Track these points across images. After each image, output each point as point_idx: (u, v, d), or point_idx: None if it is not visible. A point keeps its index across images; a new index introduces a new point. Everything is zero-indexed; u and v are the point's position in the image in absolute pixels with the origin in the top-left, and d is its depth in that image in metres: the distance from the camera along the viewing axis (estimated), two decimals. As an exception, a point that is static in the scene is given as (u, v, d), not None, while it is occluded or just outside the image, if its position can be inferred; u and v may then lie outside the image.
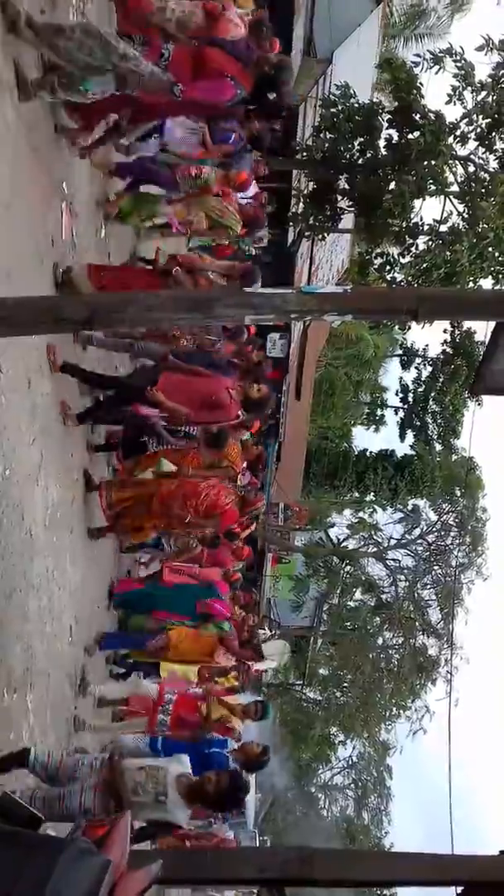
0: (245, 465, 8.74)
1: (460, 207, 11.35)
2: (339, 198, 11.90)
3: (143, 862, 2.83)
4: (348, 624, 27.54)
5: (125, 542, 8.25)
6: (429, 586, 26.15)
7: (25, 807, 2.51)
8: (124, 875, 2.45)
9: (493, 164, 11.16)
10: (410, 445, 32.85)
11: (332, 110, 11.69)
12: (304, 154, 12.57)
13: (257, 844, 20.72)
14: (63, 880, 2.14)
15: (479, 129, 10.97)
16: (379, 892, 30.31)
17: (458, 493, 27.00)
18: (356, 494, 31.90)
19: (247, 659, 8.69)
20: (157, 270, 7.07)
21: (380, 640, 26.89)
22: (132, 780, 4.56)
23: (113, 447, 7.71)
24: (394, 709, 26.93)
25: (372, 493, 31.43)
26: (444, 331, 26.40)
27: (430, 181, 10.93)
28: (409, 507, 29.29)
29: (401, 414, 33.71)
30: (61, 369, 5.93)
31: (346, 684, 28.19)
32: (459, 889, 4.01)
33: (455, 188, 11.33)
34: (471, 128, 11.00)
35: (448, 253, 10.98)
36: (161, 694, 7.10)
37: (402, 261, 11.75)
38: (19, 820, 2.45)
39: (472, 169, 11.27)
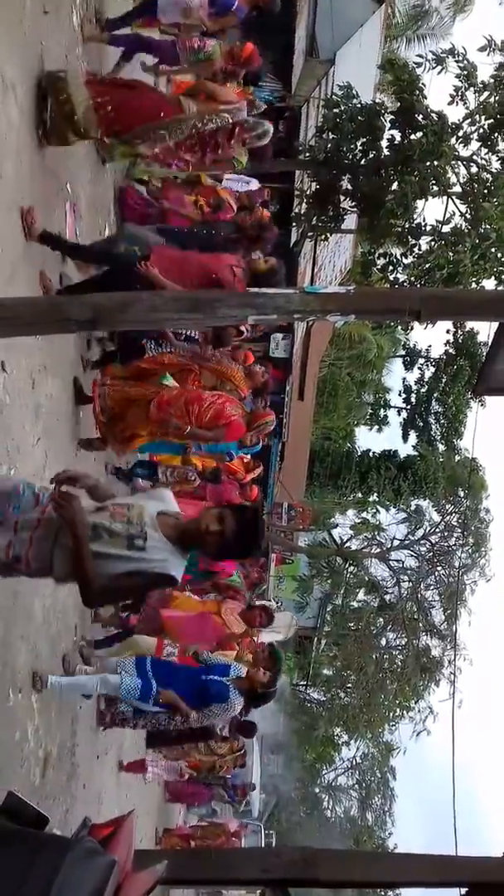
0: (250, 391, 7.95)
1: (463, 208, 11.35)
2: (342, 198, 11.89)
3: (148, 862, 2.84)
4: (351, 624, 27.51)
5: (118, 455, 7.32)
6: (432, 587, 26.11)
7: (32, 806, 2.52)
8: (129, 875, 2.46)
9: (496, 165, 11.15)
10: (413, 446, 32.87)
11: (335, 111, 11.69)
12: (307, 154, 12.58)
13: (263, 837, 20.61)
14: (69, 880, 2.15)
15: (481, 130, 10.97)
16: (383, 893, 30.31)
17: (461, 494, 26.97)
18: (359, 495, 31.89)
19: (254, 622, 8.22)
20: (167, 97, 6.34)
21: (383, 641, 26.87)
22: (89, 522, 3.17)
23: (109, 360, 6.98)
24: (397, 710, 26.91)
25: (375, 494, 31.41)
26: (447, 331, 26.46)
27: (433, 182, 10.93)
28: (412, 508, 29.25)
29: (404, 414, 33.71)
30: (40, 238, 5.15)
31: (349, 685, 28.17)
32: (463, 890, 4.01)
33: (458, 189, 11.33)
34: (473, 128, 10.99)
35: (451, 253, 10.97)
36: (160, 648, 6.87)
37: (405, 261, 11.74)
38: (25, 819, 2.46)
39: (474, 170, 11.26)
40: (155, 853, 5.43)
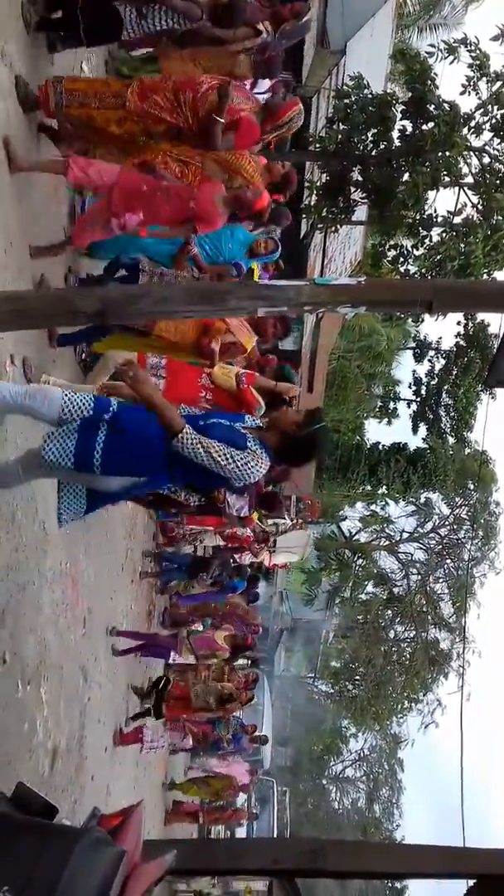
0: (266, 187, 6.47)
1: (474, 199, 11.28)
2: (353, 189, 11.83)
3: (157, 852, 2.84)
4: (360, 617, 27.53)
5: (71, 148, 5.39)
6: (441, 580, 26.11)
7: (41, 797, 2.53)
8: (138, 865, 2.46)
9: (508, 155, 11.08)
10: (423, 438, 32.73)
11: (346, 101, 11.62)
12: (318, 146, 12.51)
13: (275, 792, 20.51)
14: (78, 870, 2.15)
15: (493, 120, 10.88)
16: (390, 884, 30.42)
17: (471, 487, 26.91)
18: (368, 487, 31.82)
19: (268, 332, 6.73)
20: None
21: (392, 634, 26.89)
22: None
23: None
24: (405, 702, 26.95)
25: (384, 487, 31.33)
26: (458, 323, 26.31)
27: (445, 172, 10.85)
28: (422, 501, 29.21)
29: (413, 407, 33.57)
30: None
31: (357, 677, 28.22)
32: (471, 882, 4.01)
33: (469, 179, 11.27)
34: (486, 118, 10.91)
35: (462, 245, 10.92)
36: (142, 361, 5.71)
37: (416, 253, 11.69)
38: (34, 809, 2.47)
39: (486, 160, 11.19)
40: (164, 843, 5.45)
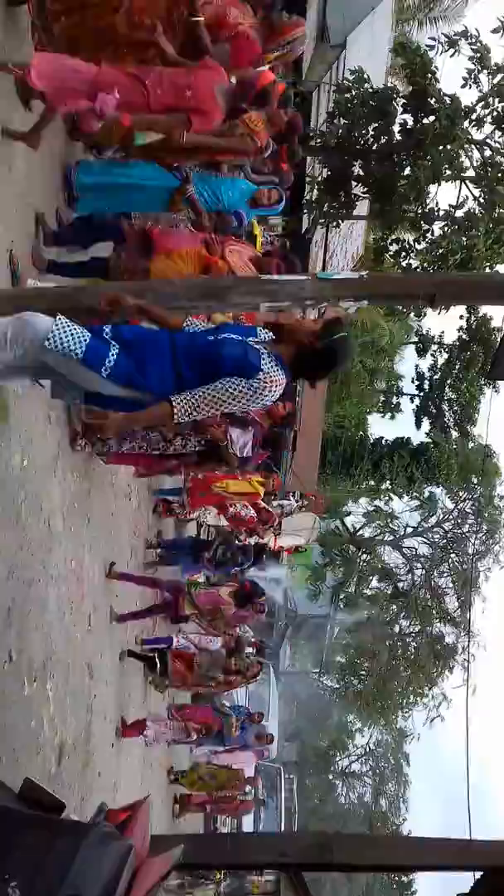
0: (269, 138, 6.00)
1: (476, 192, 11.26)
2: (354, 184, 11.82)
3: (165, 847, 2.86)
4: (365, 612, 27.55)
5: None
6: (445, 574, 26.10)
7: (48, 792, 2.54)
8: (146, 860, 2.47)
9: (510, 148, 11.06)
10: (426, 433, 32.71)
11: (346, 96, 11.60)
12: (319, 140, 12.49)
13: (283, 779, 20.42)
14: (87, 864, 2.16)
15: (495, 113, 10.87)
16: (397, 877, 30.47)
17: (475, 481, 26.88)
18: (372, 483, 31.82)
19: (273, 271, 5.88)
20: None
21: (396, 628, 26.90)
22: None
23: None
24: (411, 696, 26.97)
25: (388, 482, 31.34)
26: (461, 317, 26.25)
27: (446, 166, 10.84)
28: (426, 495, 29.19)
29: (417, 401, 33.55)
30: None
31: (362, 672, 28.25)
32: (478, 874, 4.02)
33: (471, 173, 11.24)
34: (487, 111, 10.89)
35: (464, 238, 10.90)
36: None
37: (418, 247, 11.68)
38: (42, 805, 2.48)
39: (488, 153, 11.17)
40: (171, 838, 5.47)
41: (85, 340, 3.26)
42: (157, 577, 9.36)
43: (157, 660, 8.53)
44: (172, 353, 3.34)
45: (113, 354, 3.29)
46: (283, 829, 18.83)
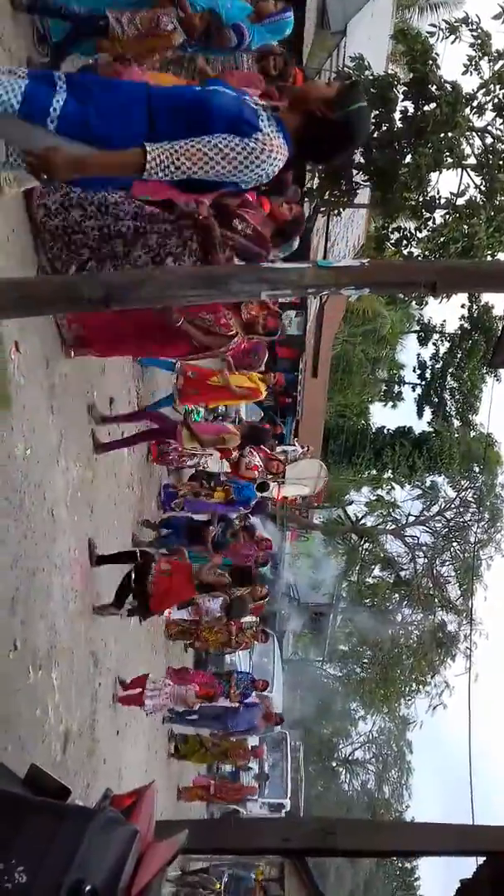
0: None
1: (477, 180, 11.21)
2: (355, 172, 11.77)
3: (170, 832, 2.88)
4: (367, 601, 27.61)
5: None
6: (447, 562, 26.13)
7: (54, 778, 2.56)
8: (151, 845, 2.50)
9: (511, 135, 11.00)
10: (428, 422, 32.74)
11: (347, 83, 11.54)
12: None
13: (289, 744, 20.37)
14: (92, 849, 2.18)
15: (496, 100, 10.81)
16: (400, 863, 30.68)
17: (477, 469, 26.89)
18: (374, 472, 31.85)
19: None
20: None
21: (399, 617, 26.96)
22: None
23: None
24: (413, 684, 27.06)
25: (390, 471, 31.37)
26: (462, 306, 26.20)
27: (447, 153, 10.79)
28: (428, 484, 29.21)
29: (418, 390, 33.56)
30: None
31: (365, 660, 28.34)
32: (481, 859, 4.05)
33: (472, 160, 11.19)
34: (488, 98, 10.83)
35: (465, 226, 10.86)
36: None
37: (419, 235, 11.64)
38: (48, 791, 2.50)
39: (489, 140, 11.12)
40: (176, 823, 5.51)
41: (20, 88, 2.64)
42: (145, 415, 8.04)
43: (138, 602, 6.97)
44: (147, 102, 2.73)
45: (58, 100, 2.67)
46: (288, 796, 18.69)
